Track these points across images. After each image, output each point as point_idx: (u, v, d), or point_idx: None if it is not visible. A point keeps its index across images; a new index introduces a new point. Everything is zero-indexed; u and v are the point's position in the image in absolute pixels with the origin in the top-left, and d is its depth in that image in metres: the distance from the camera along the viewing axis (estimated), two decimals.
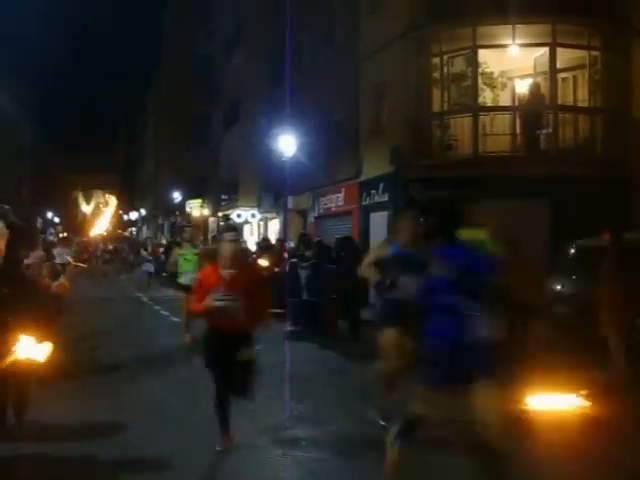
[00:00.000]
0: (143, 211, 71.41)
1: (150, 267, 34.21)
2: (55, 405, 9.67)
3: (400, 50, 22.83)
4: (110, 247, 54.10)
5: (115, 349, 15.24)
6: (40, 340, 5.23)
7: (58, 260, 18.46)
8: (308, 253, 19.16)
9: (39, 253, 9.54)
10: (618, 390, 10.00)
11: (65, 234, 54.27)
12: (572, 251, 14.96)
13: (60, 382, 10.05)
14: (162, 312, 21.68)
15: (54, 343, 5.36)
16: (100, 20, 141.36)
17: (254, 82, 38.85)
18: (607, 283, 10.81)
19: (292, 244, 22.92)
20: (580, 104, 22.25)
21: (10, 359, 5.05)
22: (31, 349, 5.12)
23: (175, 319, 19.95)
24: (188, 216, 55.05)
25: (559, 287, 14.63)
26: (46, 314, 5.90)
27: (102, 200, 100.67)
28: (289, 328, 18.16)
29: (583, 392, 10.06)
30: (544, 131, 21.45)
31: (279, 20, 31.14)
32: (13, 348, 5.05)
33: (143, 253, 40.34)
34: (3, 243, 5.51)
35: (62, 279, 6.08)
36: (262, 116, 34.88)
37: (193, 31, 54.43)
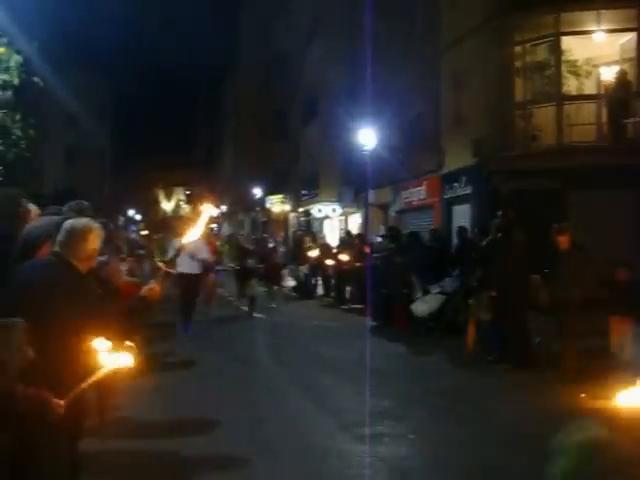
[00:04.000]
0: (224, 207, 71.99)
1: None
2: (139, 401, 9.74)
3: (481, 39, 22.40)
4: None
5: (198, 346, 15.29)
6: (121, 346, 5.19)
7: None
8: (392, 246, 18.90)
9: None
10: None
11: (147, 231, 54.56)
12: None
13: (143, 379, 10.05)
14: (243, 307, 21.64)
15: (133, 346, 5.34)
16: (177, 20, 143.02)
17: (332, 75, 38.64)
18: None
19: (379, 238, 22.63)
20: None
21: (99, 376, 5.01)
22: (115, 359, 5.07)
23: (257, 315, 20.01)
24: (268, 212, 55.30)
25: None
26: (126, 316, 5.85)
27: (182, 197, 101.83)
28: (370, 323, 18.02)
29: None
30: (631, 120, 20.80)
31: (357, 13, 30.99)
32: (102, 362, 5.01)
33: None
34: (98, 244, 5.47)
35: (153, 283, 5.99)
36: (341, 109, 34.70)
37: (270, 28, 54.58)
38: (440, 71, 25.72)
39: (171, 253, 15.17)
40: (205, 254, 17.25)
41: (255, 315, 20.61)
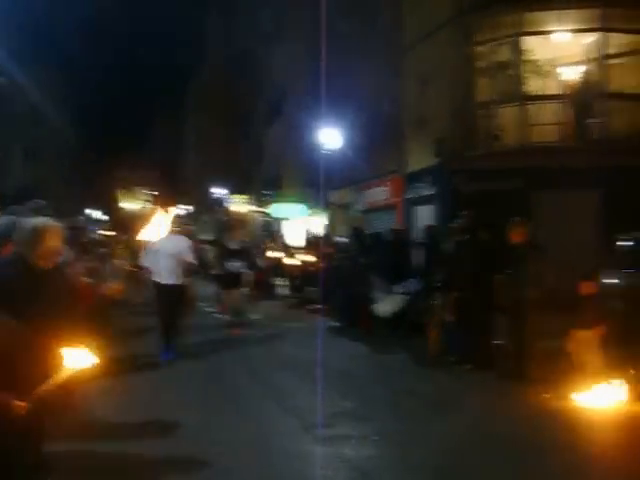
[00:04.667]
0: (190, 208, 71.67)
1: None
2: (105, 403, 9.59)
3: (444, 39, 22.41)
4: None
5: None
6: (84, 346, 5.09)
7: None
8: (355, 246, 18.82)
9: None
10: None
11: (114, 232, 54.02)
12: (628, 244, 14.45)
13: (105, 379, 9.89)
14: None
15: (97, 346, 5.25)
16: (142, 19, 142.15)
17: (296, 76, 38.52)
18: None
19: (345, 239, 22.47)
20: (632, 91, 21.52)
21: (62, 376, 4.92)
22: (77, 359, 4.99)
23: (220, 315, 19.75)
24: (231, 212, 55.06)
25: (613, 281, 14.14)
26: (88, 317, 5.76)
27: (148, 198, 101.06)
28: (334, 324, 17.95)
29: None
30: (594, 120, 20.89)
31: (321, 12, 30.89)
32: (64, 362, 4.92)
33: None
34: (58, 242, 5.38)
35: (116, 282, 5.93)
36: (305, 110, 34.59)
37: (234, 27, 54.32)
38: (403, 71, 25.70)
39: (140, 252, 14.27)
40: (191, 257, 13.63)
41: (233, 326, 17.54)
